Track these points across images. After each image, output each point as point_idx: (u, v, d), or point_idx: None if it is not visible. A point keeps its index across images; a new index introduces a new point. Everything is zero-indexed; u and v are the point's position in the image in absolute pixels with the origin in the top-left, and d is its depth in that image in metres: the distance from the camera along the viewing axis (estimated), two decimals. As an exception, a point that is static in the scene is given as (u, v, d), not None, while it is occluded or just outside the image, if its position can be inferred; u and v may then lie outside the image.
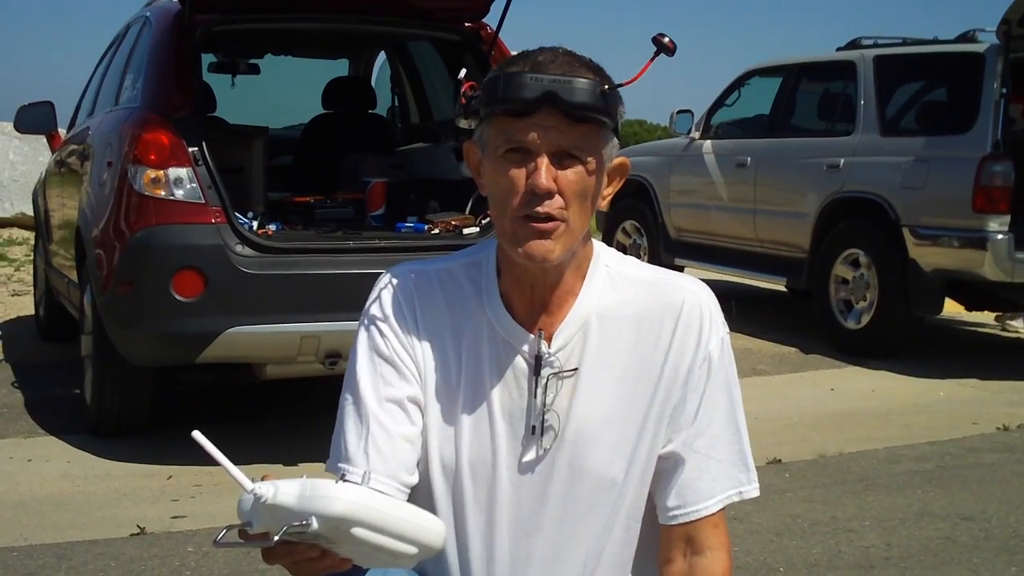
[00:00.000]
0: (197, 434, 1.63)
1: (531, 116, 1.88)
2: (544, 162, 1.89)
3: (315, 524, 1.59)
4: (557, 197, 1.90)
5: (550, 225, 1.91)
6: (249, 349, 5.46)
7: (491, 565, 2.04)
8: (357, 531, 1.62)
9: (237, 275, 5.31)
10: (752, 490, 2.08)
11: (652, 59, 2.03)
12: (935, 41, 9.20)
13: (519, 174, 1.91)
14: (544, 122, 1.88)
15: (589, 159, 1.92)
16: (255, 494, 1.60)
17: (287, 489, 1.61)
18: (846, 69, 9.26)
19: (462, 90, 1.99)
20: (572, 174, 1.91)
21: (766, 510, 5.05)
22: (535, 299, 2.03)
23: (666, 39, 2.06)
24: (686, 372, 2.03)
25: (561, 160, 1.90)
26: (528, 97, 1.87)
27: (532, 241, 1.92)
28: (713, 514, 2.03)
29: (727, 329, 2.08)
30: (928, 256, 8.11)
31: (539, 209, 1.90)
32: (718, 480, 2.04)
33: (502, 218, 1.95)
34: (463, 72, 2.09)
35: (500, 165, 1.93)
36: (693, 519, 2.02)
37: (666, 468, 2.03)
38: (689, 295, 2.06)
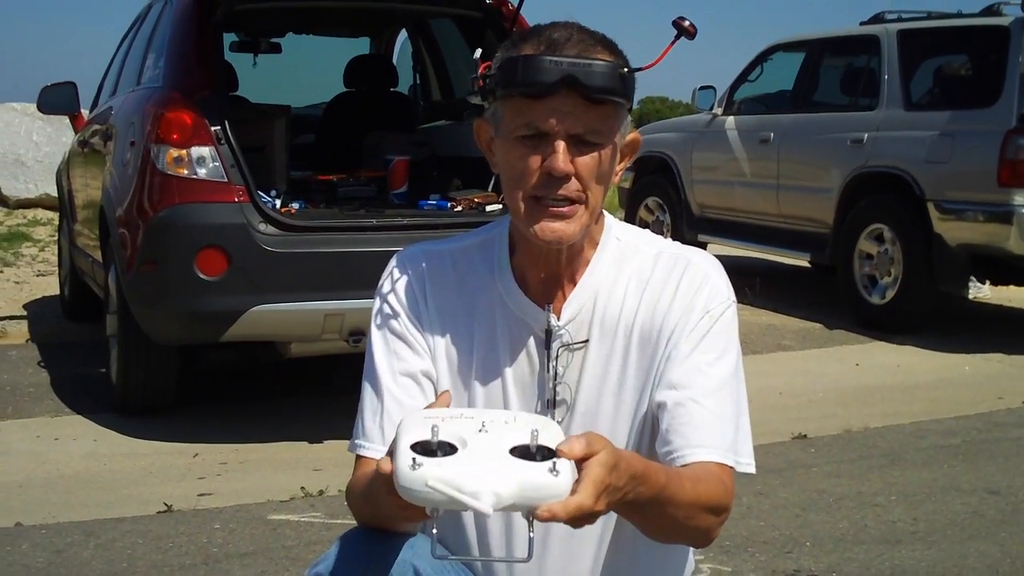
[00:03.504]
0: (434, 482, 1.56)
1: (549, 99, 1.87)
2: (561, 146, 1.89)
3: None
4: (574, 180, 1.91)
5: (568, 209, 1.92)
6: (273, 327, 5.47)
7: (510, 539, 2.05)
8: None
9: (260, 253, 5.32)
10: (747, 465, 1.97)
11: (672, 43, 2.01)
12: (959, 15, 9.13)
13: (535, 156, 1.91)
14: (562, 106, 1.87)
15: (605, 142, 1.92)
16: (483, 511, 1.56)
17: (506, 494, 1.56)
18: (870, 44, 9.20)
19: (479, 71, 1.97)
20: (589, 158, 1.91)
21: (792, 485, 5.05)
22: (548, 273, 2.03)
23: (687, 23, 2.04)
24: (683, 325, 1.99)
25: (578, 144, 1.90)
26: (547, 81, 1.86)
27: (546, 222, 1.92)
28: (711, 463, 1.91)
29: (734, 300, 2.05)
30: (953, 231, 8.06)
31: (560, 192, 1.90)
32: (711, 431, 1.93)
33: (515, 198, 1.95)
34: (478, 52, 2.08)
35: (515, 147, 1.92)
36: (689, 461, 1.91)
37: (661, 417, 1.96)
38: (693, 265, 2.04)
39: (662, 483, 1.74)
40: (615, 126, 1.93)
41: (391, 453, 1.63)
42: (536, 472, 1.58)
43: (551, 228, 1.93)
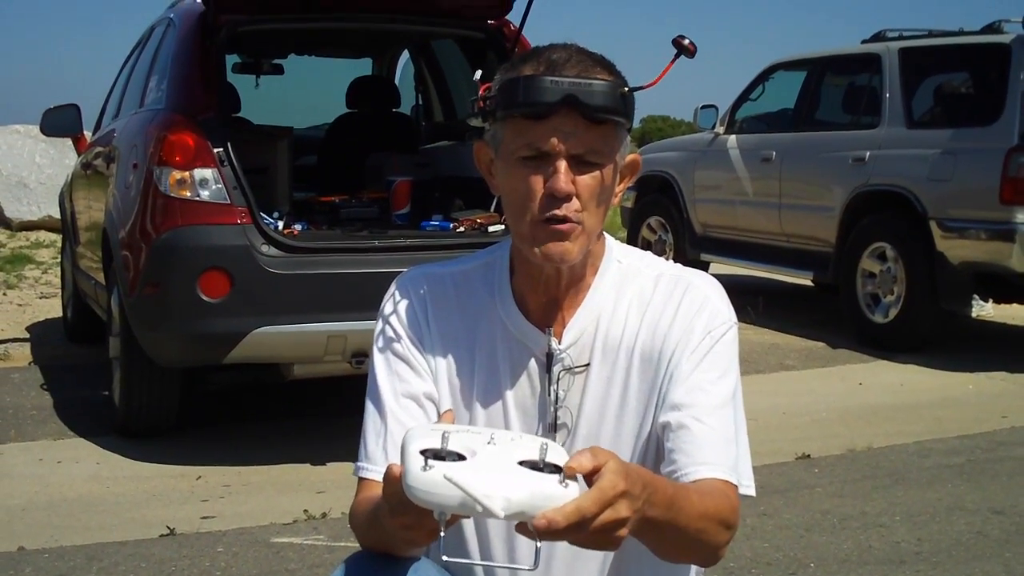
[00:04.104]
0: (451, 474, 1.57)
1: (549, 119, 1.88)
2: (563, 166, 1.89)
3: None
4: (575, 200, 1.91)
5: (567, 227, 1.91)
6: (276, 349, 5.47)
7: (512, 549, 2.05)
8: None
9: (263, 275, 5.32)
10: (747, 487, 1.97)
11: (672, 61, 2.02)
12: (960, 32, 9.15)
13: (537, 178, 1.91)
14: (563, 126, 1.87)
15: (606, 162, 1.92)
16: (495, 513, 1.57)
17: (517, 501, 1.57)
18: (871, 62, 9.22)
19: (480, 92, 1.98)
20: (589, 178, 1.91)
21: (795, 505, 5.04)
22: (548, 297, 2.03)
23: (686, 41, 2.05)
24: (684, 345, 1.99)
25: (578, 164, 1.90)
26: (548, 101, 1.86)
27: (551, 243, 1.92)
28: (715, 480, 1.90)
29: (735, 322, 2.05)
30: (955, 249, 8.06)
31: (556, 212, 1.90)
32: (714, 449, 1.92)
33: (519, 221, 1.95)
34: (478, 73, 2.08)
35: (517, 169, 1.93)
36: (693, 479, 1.90)
37: (665, 437, 1.96)
38: (694, 287, 2.04)
39: (671, 493, 1.73)
40: (616, 146, 1.94)
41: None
42: (547, 483, 1.58)
43: (554, 248, 1.92)
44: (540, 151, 1.89)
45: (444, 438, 1.61)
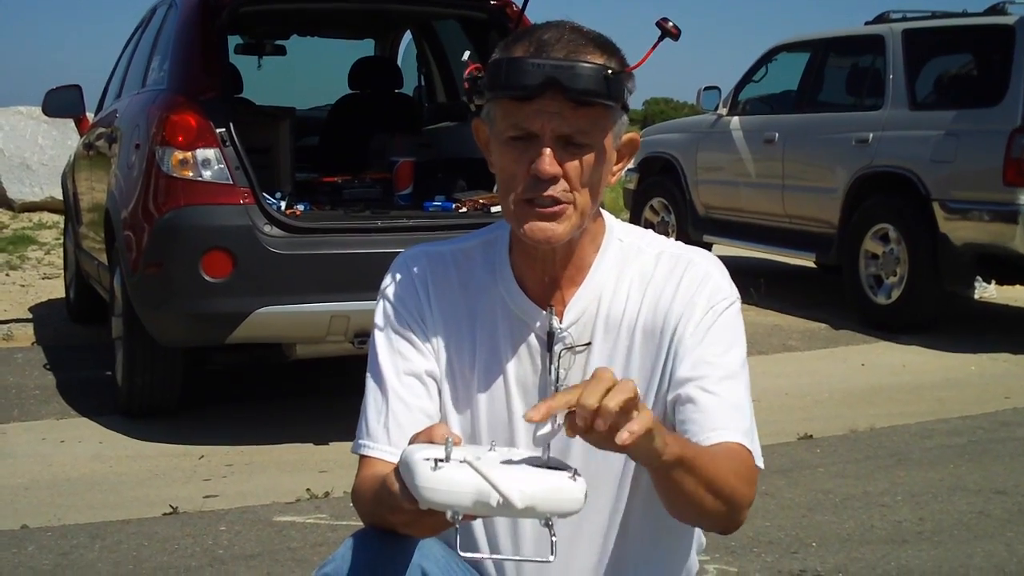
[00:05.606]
0: (472, 460, 1.59)
1: (534, 101, 1.87)
2: (547, 148, 1.88)
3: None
4: (562, 181, 1.90)
5: (556, 209, 1.92)
6: (278, 329, 5.47)
7: (517, 543, 2.06)
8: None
9: (266, 255, 5.32)
10: (757, 458, 1.95)
11: (655, 44, 2.01)
12: (964, 14, 9.12)
13: (523, 159, 1.91)
14: (548, 107, 1.87)
15: (595, 143, 1.92)
16: (513, 503, 1.58)
17: (532, 493, 1.58)
18: (874, 43, 9.19)
19: (465, 73, 1.98)
20: (577, 160, 1.91)
21: (798, 485, 5.04)
22: (547, 275, 2.03)
23: (670, 24, 2.05)
24: (687, 321, 1.99)
25: (566, 145, 1.90)
26: (530, 84, 1.86)
27: (535, 223, 1.92)
28: (731, 443, 1.90)
29: (737, 297, 2.05)
30: (959, 230, 8.05)
31: (544, 194, 1.90)
32: (724, 415, 1.92)
33: (507, 200, 1.96)
34: (467, 54, 2.09)
35: (505, 149, 1.93)
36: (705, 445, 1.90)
37: (676, 412, 1.97)
38: (695, 264, 2.04)
39: (682, 441, 1.77)
40: (605, 127, 1.93)
41: (399, 476, 1.67)
42: (558, 476, 1.60)
43: (540, 228, 1.93)
44: (527, 132, 1.90)
45: (448, 445, 1.60)
